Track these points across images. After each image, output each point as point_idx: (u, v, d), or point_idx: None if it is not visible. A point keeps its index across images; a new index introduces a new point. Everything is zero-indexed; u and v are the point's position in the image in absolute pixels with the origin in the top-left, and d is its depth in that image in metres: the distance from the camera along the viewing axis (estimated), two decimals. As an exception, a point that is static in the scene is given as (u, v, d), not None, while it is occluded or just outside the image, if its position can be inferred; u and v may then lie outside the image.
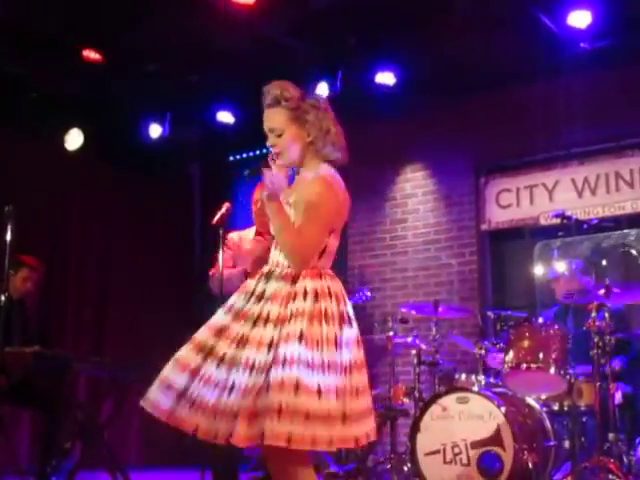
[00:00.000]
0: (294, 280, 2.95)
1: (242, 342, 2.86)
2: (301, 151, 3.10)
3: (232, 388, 2.79)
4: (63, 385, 6.21)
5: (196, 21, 6.28)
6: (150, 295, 8.51)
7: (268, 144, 3.13)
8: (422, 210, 8.03)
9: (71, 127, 7.70)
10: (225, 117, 7.93)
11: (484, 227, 7.76)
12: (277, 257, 3.05)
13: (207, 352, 2.89)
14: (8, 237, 4.38)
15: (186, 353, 2.92)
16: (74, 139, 7.68)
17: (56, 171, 7.78)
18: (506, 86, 7.42)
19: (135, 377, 5.26)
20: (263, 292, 2.96)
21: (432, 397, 5.42)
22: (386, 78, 7.14)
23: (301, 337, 2.80)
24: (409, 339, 6.13)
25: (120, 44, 6.68)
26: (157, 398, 2.87)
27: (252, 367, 2.79)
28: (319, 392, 2.76)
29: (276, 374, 2.74)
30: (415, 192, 8.10)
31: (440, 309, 6.02)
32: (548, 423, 5.29)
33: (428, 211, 8.00)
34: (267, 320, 2.87)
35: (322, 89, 7.25)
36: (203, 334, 2.97)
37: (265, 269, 3.06)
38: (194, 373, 2.86)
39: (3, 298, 4.40)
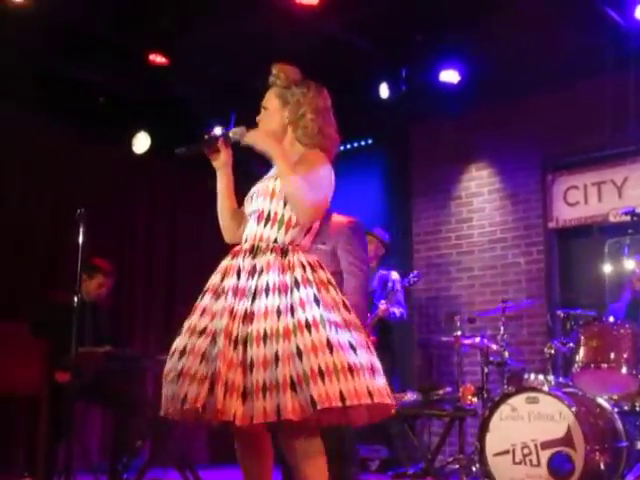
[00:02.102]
0: (283, 253, 2.92)
1: (248, 317, 2.80)
2: (277, 127, 3.16)
3: (251, 365, 2.73)
4: (133, 384, 6.32)
5: (259, 22, 6.30)
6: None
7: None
8: (488, 209, 7.96)
9: (138, 130, 7.80)
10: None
11: (551, 225, 7.65)
12: (260, 231, 3.01)
13: (210, 334, 2.84)
14: (80, 240, 4.46)
15: (187, 340, 2.89)
16: (141, 142, 7.76)
17: (124, 174, 7.91)
18: (572, 81, 7.29)
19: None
20: (254, 267, 2.90)
21: (501, 397, 5.38)
22: (450, 76, 7.08)
23: (317, 301, 2.80)
24: (477, 339, 6.08)
25: (185, 47, 6.75)
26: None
27: (264, 337, 2.74)
28: (352, 347, 2.77)
29: (304, 340, 2.71)
30: (480, 190, 8.04)
31: (508, 308, 5.98)
32: (620, 423, 5.22)
33: (494, 209, 7.93)
34: (267, 290, 2.82)
35: (384, 89, 7.24)
36: (200, 320, 2.93)
37: (245, 245, 3.01)
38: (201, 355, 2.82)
39: (76, 299, 4.48)
